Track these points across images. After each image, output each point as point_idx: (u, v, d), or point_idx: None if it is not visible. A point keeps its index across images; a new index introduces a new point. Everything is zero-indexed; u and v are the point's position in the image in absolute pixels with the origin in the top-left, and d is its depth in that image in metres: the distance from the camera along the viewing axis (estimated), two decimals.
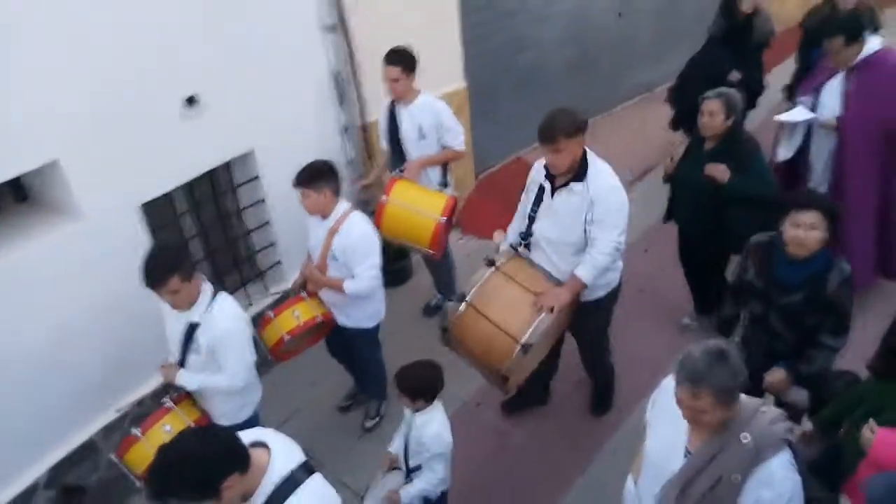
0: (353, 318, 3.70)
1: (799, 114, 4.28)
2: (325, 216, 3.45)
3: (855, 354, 2.96)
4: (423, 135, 4.08)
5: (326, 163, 3.41)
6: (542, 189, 3.27)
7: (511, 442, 3.97)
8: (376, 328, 3.84)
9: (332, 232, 3.45)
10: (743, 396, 2.08)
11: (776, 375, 2.95)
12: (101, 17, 3.13)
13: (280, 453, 1.96)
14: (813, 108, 4.23)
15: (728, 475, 2.00)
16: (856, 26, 4.00)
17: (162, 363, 3.17)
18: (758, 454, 1.99)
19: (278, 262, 4.49)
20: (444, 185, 4.28)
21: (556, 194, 3.20)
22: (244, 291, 4.39)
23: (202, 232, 4.21)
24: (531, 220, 3.33)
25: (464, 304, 3.19)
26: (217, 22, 3.62)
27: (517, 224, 3.50)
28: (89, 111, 3.18)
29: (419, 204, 3.92)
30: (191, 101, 3.57)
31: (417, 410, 2.91)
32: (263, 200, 4.22)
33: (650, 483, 2.19)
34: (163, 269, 2.80)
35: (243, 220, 4.34)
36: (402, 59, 3.94)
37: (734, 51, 5.16)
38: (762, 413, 2.06)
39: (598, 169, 3.14)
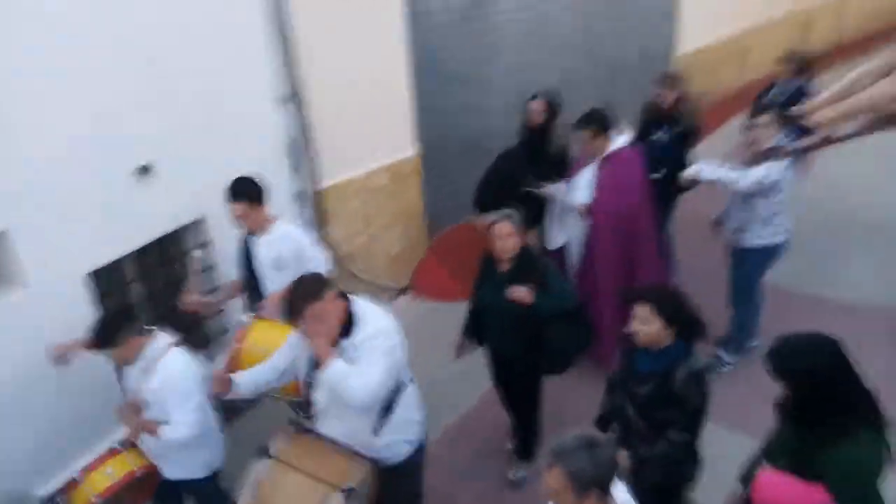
0: (182, 467, 3.24)
1: (558, 190, 4.55)
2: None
3: None
4: (280, 266, 3.61)
5: (126, 306, 3.14)
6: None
7: None
8: (212, 479, 3.34)
9: (145, 372, 3.03)
10: (621, 498, 2.11)
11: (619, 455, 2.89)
12: (53, 85, 3.16)
13: None
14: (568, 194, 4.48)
15: None
16: (603, 120, 4.28)
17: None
18: None
19: (226, 331, 4.45)
20: None
21: None
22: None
23: (151, 298, 4.16)
24: (309, 386, 2.93)
25: None
26: (171, 92, 3.69)
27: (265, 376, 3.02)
28: (41, 181, 3.18)
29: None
30: (144, 170, 3.60)
31: None
32: (213, 267, 4.22)
33: None
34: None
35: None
36: (245, 195, 3.51)
37: (531, 159, 4.92)
38: None
39: (367, 316, 2.79)
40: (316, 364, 2.82)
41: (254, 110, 4.27)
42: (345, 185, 5.07)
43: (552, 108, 4.86)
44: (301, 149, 4.57)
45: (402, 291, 5.86)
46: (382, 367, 2.72)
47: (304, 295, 2.66)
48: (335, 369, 2.69)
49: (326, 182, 4.88)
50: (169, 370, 3.01)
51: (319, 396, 2.90)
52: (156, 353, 3.03)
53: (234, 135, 4.10)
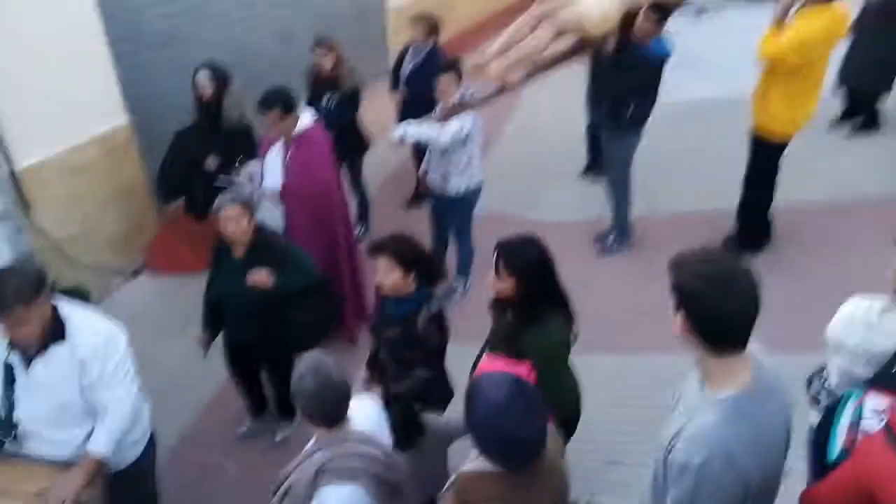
0: None
1: (250, 176, 4.40)
2: None
3: None
4: None
5: None
6: (9, 368, 2.63)
7: (224, 477, 3.90)
8: None
9: None
10: (359, 412, 2.34)
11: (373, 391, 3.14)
12: None
13: None
14: (260, 178, 4.29)
15: (296, 486, 2.18)
16: (287, 99, 4.03)
17: None
18: (318, 476, 2.13)
19: None
20: None
21: (32, 367, 2.61)
22: None
23: None
24: (10, 407, 2.67)
25: None
26: None
27: None
28: None
29: None
30: None
31: None
32: None
33: None
34: None
35: None
36: None
37: (206, 137, 4.79)
38: (350, 443, 2.22)
39: (78, 320, 2.64)
40: (11, 379, 2.62)
41: None
42: (46, 164, 4.55)
43: (219, 80, 4.68)
44: None
45: (137, 272, 5.47)
46: (131, 374, 2.72)
47: (16, 298, 2.40)
48: (109, 439, 2.66)
49: (22, 163, 4.33)
50: None
51: (26, 412, 2.63)
52: None
53: None
